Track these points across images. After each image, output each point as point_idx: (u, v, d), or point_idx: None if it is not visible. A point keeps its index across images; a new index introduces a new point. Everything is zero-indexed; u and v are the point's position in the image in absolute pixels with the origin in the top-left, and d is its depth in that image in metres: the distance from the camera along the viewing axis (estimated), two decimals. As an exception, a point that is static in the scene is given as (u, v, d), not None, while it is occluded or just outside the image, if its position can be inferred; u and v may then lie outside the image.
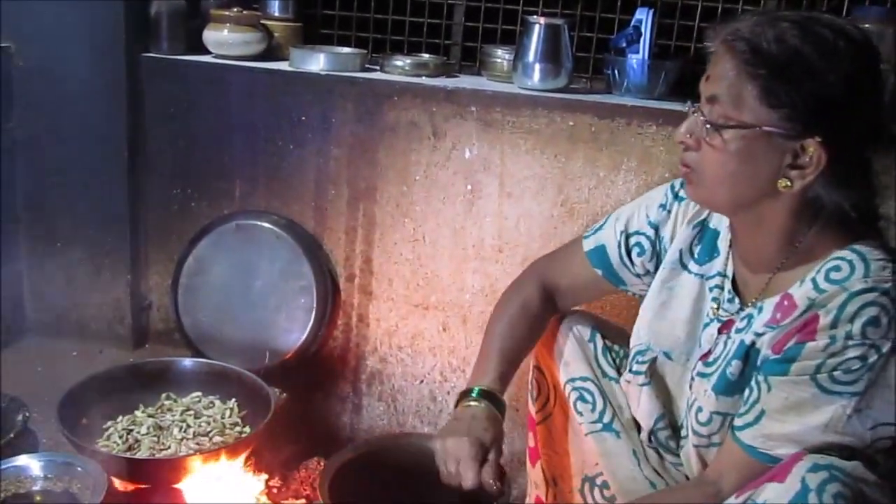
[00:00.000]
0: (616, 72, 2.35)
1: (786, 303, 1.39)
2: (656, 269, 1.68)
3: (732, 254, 1.55)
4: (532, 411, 1.88)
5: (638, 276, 1.71)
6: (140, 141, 2.52)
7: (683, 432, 1.62)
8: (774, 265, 1.43)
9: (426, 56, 2.55)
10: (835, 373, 1.30)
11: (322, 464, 2.34)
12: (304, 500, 2.24)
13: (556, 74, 2.32)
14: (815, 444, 1.31)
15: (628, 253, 1.70)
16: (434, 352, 2.49)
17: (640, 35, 2.30)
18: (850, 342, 1.29)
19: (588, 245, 1.75)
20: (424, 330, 2.48)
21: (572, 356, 1.77)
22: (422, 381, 2.52)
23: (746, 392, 1.42)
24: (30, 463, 1.87)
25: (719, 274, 1.56)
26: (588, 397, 1.74)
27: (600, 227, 1.75)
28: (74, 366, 2.48)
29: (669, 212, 1.66)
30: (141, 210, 2.59)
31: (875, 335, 1.28)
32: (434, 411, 2.53)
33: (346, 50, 2.57)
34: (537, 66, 2.31)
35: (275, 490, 2.23)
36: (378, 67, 2.51)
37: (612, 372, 1.76)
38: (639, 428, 1.72)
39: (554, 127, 2.26)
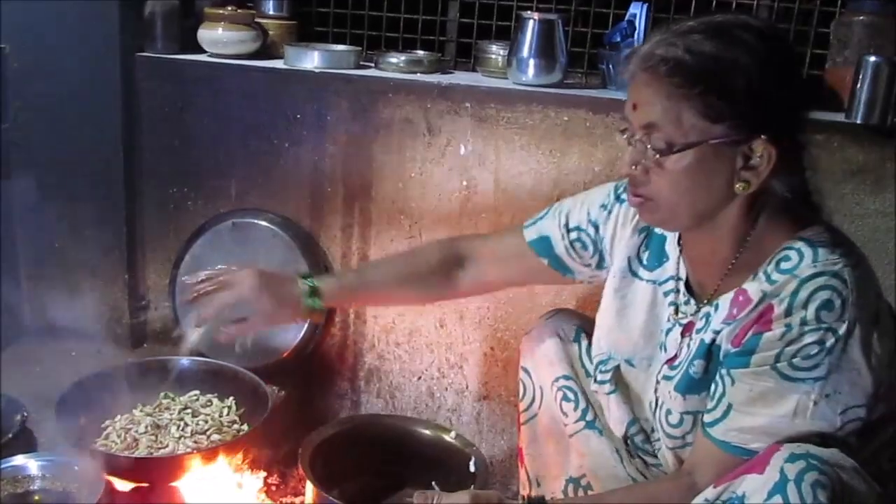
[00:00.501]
0: (611, 67, 2.35)
1: (741, 298, 1.40)
2: (598, 264, 1.70)
3: (682, 257, 1.55)
4: (519, 411, 1.88)
5: (585, 265, 1.72)
6: (136, 140, 2.53)
7: (655, 435, 1.63)
8: (727, 263, 1.44)
9: (421, 53, 2.55)
10: (794, 360, 1.31)
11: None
12: (302, 497, 2.24)
13: (550, 70, 2.32)
14: (787, 434, 1.32)
15: (572, 246, 1.71)
16: (431, 348, 2.49)
17: (634, 30, 2.32)
18: (806, 328, 1.30)
19: (530, 235, 1.76)
20: (421, 326, 2.48)
21: (556, 356, 1.78)
22: (419, 378, 2.53)
23: (712, 388, 1.43)
24: (28, 463, 1.88)
25: (672, 278, 1.57)
26: (571, 396, 1.75)
27: (541, 217, 1.76)
28: (72, 366, 2.47)
29: (610, 212, 1.66)
30: (137, 209, 2.59)
31: (830, 318, 1.29)
32: (432, 407, 2.53)
33: (341, 47, 2.57)
34: (532, 62, 2.31)
35: (273, 488, 2.23)
36: (373, 65, 2.51)
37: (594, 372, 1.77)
38: None
39: (549, 122, 2.26)
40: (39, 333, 2.66)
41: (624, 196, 1.61)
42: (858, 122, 2.13)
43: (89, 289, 2.62)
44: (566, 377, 1.76)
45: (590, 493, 1.71)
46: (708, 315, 1.46)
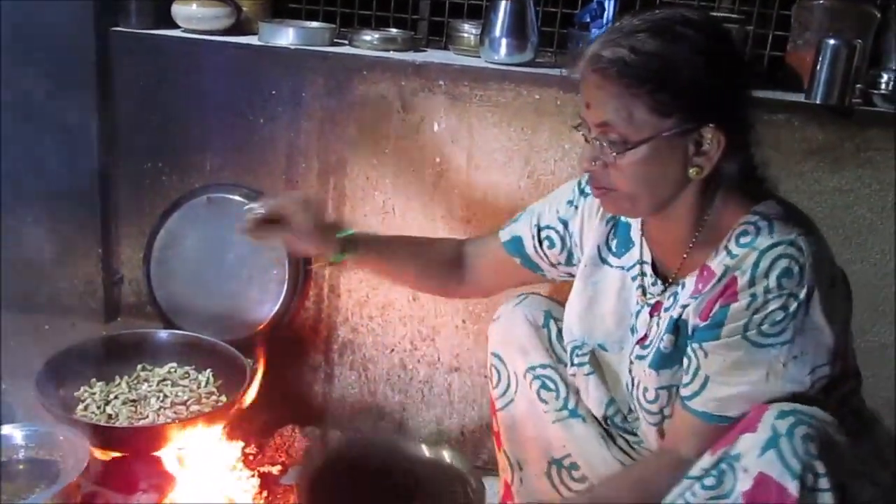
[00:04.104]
0: (580, 46, 2.39)
1: (705, 273, 1.47)
2: (567, 261, 1.77)
3: (645, 240, 1.63)
4: (493, 397, 1.92)
5: (552, 265, 1.79)
6: (110, 115, 2.53)
7: (633, 414, 1.70)
8: (687, 243, 1.51)
9: (394, 31, 2.58)
10: (762, 327, 1.39)
11: (296, 431, 2.39)
12: (279, 467, 2.28)
13: (522, 49, 2.37)
14: (763, 398, 1.40)
15: (541, 244, 1.78)
16: (404, 321, 2.54)
17: (603, 11, 2.36)
18: (770, 296, 1.38)
19: (504, 236, 1.83)
20: (395, 300, 2.53)
21: (530, 343, 1.83)
22: (392, 350, 2.58)
23: (685, 362, 1.50)
24: (13, 433, 1.90)
25: (638, 262, 1.63)
26: (551, 385, 1.80)
27: (515, 221, 1.84)
28: (46, 339, 2.49)
29: (577, 207, 1.73)
30: (112, 184, 2.59)
31: (790, 284, 1.37)
32: (405, 379, 2.58)
33: (316, 24, 2.59)
34: (504, 41, 2.35)
35: (251, 458, 2.27)
36: (346, 42, 2.54)
37: (566, 357, 1.80)
38: None
39: (521, 100, 2.31)
40: (12, 307, 2.65)
41: (588, 190, 1.67)
42: (818, 102, 2.20)
43: (62, 263, 2.62)
44: (543, 365, 1.81)
45: (574, 473, 1.77)
46: (675, 294, 1.54)
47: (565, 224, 1.75)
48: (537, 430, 1.82)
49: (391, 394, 2.61)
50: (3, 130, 2.49)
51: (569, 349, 1.75)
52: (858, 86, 2.24)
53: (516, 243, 1.81)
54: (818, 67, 2.20)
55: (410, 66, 2.36)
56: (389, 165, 2.42)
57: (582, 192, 1.73)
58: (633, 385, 1.64)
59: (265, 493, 2.18)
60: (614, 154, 1.41)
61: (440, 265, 1.88)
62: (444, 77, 2.34)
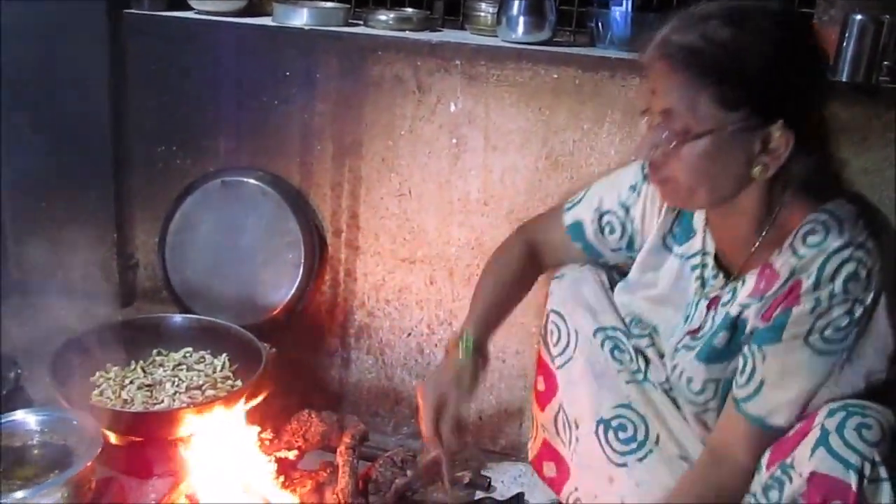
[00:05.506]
0: (600, 24, 2.36)
1: (767, 272, 1.42)
2: (628, 246, 1.71)
3: (709, 231, 1.57)
4: (549, 356, 1.85)
5: (613, 251, 1.74)
6: (123, 98, 2.51)
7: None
8: (753, 240, 1.46)
9: (410, 10, 2.55)
10: (825, 333, 1.34)
11: (312, 416, 2.37)
12: (296, 452, 2.26)
13: (540, 27, 2.33)
14: (814, 402, 1.36)
15: (601, 230, 1.73)
16: (421, 305, 2.51)
17: (623, -12, 2.32)
18: (835, 301, 1.32)
19: (568, 220, 1.78)
20: (411, 283, 2.50)
21: (599, 304, 1.77)
22: (409, 334, 2.55)
23: (741, 363, 1.46)
24: (27, 418, 1.90)
25: (700, 253, 1.59)
26: (623, 347, 1.74)
27: (579, 201, 1.78)
28: (62, 324, 2.48)
29: (639, 193, 1.67)
30: (125, 168, 2.59)
31: (857, 290, 1.32)
32: (422, 364, 2.56)
33: (330, 4, 2.57)
34: (521, 20, 2.32)
35: (267, 443, 2.26)
36: (361, 22, 2.51)
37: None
38: None
39: (538, 80, 2.27)
40: (27, 292, 2.65)
41: None
42: (844, 80, 2.14)
43: (78, 248, 2.61)
44: (614, 328, 1.75)
45: (621, 434, 1.73)
46: (735, 289, 1.49)
47: (626, 209, 1.69)
48: (591, 387, 1.77)
49: (408, 378, 2.58)
50: (16, 116, 2.49)
51: (627, 320, 1.73)
52: (886, 63, 2.18)
53: (577, 229, 1.76)
54: (844, 44, 2.14)
55: (426, 46, 2.32)
56: (405, 147, 2.39)
57: (645, 177, 1.66)
58: (672, 371, 1.62)
59: (281, 479, 2.16)
60: (673, 143, 1.35)
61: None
62: (460, 57, 2.30)
